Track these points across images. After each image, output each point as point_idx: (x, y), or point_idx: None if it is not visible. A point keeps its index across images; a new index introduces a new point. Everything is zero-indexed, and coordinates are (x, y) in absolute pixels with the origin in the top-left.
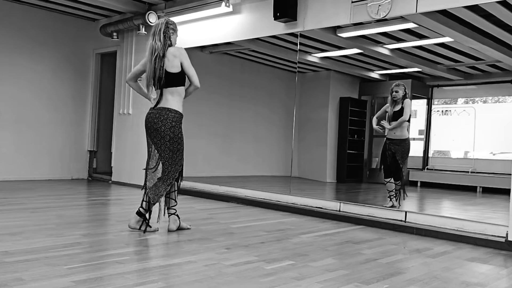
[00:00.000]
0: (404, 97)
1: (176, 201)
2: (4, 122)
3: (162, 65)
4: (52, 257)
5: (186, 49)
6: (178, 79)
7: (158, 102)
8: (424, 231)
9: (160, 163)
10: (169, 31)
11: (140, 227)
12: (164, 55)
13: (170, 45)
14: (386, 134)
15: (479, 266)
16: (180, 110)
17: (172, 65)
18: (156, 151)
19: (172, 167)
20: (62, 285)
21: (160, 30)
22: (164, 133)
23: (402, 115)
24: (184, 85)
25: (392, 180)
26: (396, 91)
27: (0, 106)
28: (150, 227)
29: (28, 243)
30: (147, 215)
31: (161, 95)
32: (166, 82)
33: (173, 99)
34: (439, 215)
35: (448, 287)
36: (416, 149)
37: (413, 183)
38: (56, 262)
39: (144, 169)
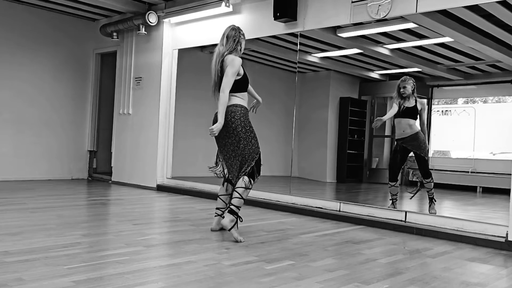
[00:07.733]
0: (414, 92)
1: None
2: (4, 122)
3: (219, 70)
4: (52, 257)
5: (185, 49)
6: (235, 85)
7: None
8: (424, 231)
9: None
10: (236, 36)
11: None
12: (223, 61)
13: (231, 52)
14: (395, 136)
15: (479, 266)
16: (242, 104)
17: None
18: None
19: (244, 156)
20: (62, 285)
21: (223, 34)
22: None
23: (416, 112)
24: (245, 91)
25: (396, 184)
26: (404, 87)
27: (0, 106)
28: (241, 220)
29: (28, 243)
30: (239, 213)
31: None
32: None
33: (234, 99)
34: (439, 215)
35: (448, 287)
36: None
37: (414, 183)
38: (56, 262)
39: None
